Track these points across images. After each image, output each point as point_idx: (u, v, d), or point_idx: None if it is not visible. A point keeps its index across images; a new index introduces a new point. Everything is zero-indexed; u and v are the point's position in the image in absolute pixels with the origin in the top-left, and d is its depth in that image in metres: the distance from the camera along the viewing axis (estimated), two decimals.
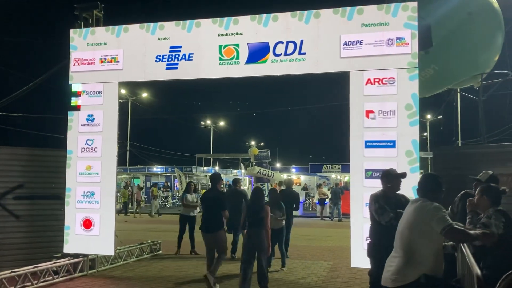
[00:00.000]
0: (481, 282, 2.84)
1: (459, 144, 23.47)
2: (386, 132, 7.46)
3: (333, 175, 31.60)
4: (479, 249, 3.95)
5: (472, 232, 3.77)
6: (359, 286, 8.07)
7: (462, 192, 5.65)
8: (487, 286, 2.92)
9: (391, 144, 7.42)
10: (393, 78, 7.46)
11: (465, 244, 3.99)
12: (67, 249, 8.87)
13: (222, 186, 8.70)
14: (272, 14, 8.12)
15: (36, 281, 7.77)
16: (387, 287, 3.85)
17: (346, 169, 29.00)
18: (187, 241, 11.53)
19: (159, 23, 8.68)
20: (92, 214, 8.79)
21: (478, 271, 2.95)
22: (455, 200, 5.67)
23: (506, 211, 4.10)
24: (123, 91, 33.50)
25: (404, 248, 3.85)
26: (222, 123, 56.07)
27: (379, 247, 4.85)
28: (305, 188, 29.77)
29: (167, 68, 8.60)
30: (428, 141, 42.52)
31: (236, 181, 11.96)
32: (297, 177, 34.40)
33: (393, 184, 5.31)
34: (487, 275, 3.32)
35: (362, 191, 7.46)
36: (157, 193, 25.82)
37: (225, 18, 8.32)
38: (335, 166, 29.85)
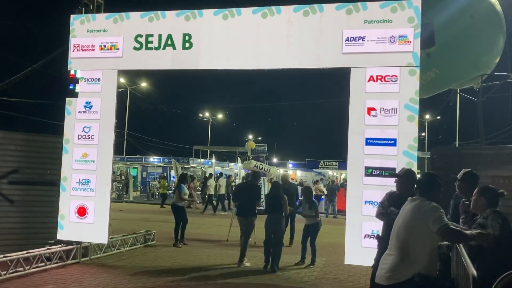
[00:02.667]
0: (477, 282, 2.82)
1: (457, 145, 23.52)
2: (386, 130, 7.43)
3: (330, 172, 31.58)
4: (474, 250, 3.93)
5: (468, 232, 3.74)
6: (352, 283, 8.07)
7: (455, 193, 5.59)
8: (483, 287, 2.90)
9: (392, 142, 7.38)
10: (396, 76, 7.42)
11: (460, 245, 3.97)
12: (60, 236, 8.84)
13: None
14: (274, 7, 8.05)
15: (28, 267, 7.74)
16: (381, 284, 3.84)
17: (343, 166, 28.99)
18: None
19: (160, 12, 8.60)
20: (87, 202, 8.75)
21: (474, 272, 2.93)
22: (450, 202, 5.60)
23: (503, 213, 4.08)
24: (122, 80, 33.35)
25: (399, 246, 3.83)
26: (220, 116, 55.98)
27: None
28: (301, 184, 29.73)
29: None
30: (426, 141, 42.58)
31: (248, 175, 13.90)
32: (294, 173, 34.40)
33: (399, 184, 5.23)
34: (482, 276, 3.30)
35: (362, 189, 7.45)
36: (197, 185, 25.77)
37: (227, 10, 8.25)
38: (332, 163, 29.83)
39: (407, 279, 3.65)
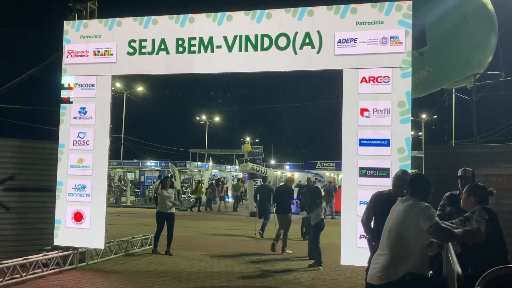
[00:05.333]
0: (461, 280, 2.86)
1: (453, 144, 23.60)
2: (379, 131, 7.47)
3: (327, 173, 31.61)
4: (465, 248, 3.96)
5: (456, 231, 3.78)
6: (348, 284, 8.10)
7: (447, 194, 5.61)
8: (467, 284, 2.93)
9: (386, 142, 7.42)
10: (388, 76, 7.47)
11: (449, 243, 4.00)
12: (57, 241, 8.84)
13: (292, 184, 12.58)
14: (267, 10, 8.09)
15: (25, 273, 7.74)
16: (373, 284, 3.86)
17: (340, 167, 28.94)
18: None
19: (153, 17, 8.64)
20: (83, 207, 8.76)
21: (459, 269, 2.96)
22: (442, 204, 5.60)
23: (493, 210, 4.11)
24: (118, 85, 33.32)
25: (390, 246, 3.86)
26: (217, 119, 55.99)
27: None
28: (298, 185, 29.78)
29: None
30: (423, 141, 42.65)
31: (266, 178, 15.72)
32: (291, 174, 34.39)
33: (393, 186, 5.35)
34: (471, 273, 3.33)
35: (356, 189, 7.49)
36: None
37: (220, 13, 8.29)
38: (328, 164, 29.84)
39: (399, 278, 3.68)
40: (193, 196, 27.89)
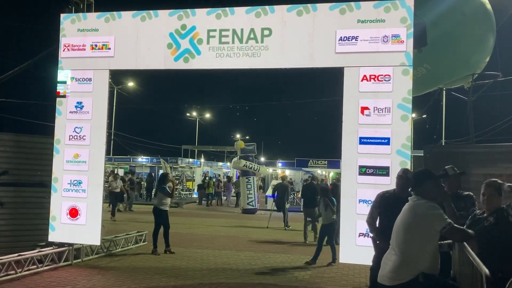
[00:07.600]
0: (490, 281, 2.82)
1: (443, 143, 23.76)
2: (379, 129, 7.47)
3: (319, 171, 31.68)
4: (484, 247, 3.92)
5: (471, 231, 3.77)
6: (346, 282, 8.10)
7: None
8: (496, 285, 2.90)
9: (386, 141, 7.43)
10: (389, 75, 7.47)
11: (465, 243, 3.98)
12: (52, 237, 8.72)
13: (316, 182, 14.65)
14: (267, 7, 8.03)
15: (20, 270, 7.62)
16: (384, 284, 3.82)
17: (331, 165, 29.07)
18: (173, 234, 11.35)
19: (151, 11, 8.53)
20: (78, 203, 8.65)
21: (487, 270, 2.92)
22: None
23: None
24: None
25: (400, 247, 3.82)
26: (208, 115, 55.77)
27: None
28: (290, 183, 29.80)
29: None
30: (412, 140, 42.89)
31: (284, 177, 17.63)
32: (282, 172, 34.40)
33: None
34: (492, 273, 3.29)
35: (356, 187, 7.48)
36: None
37: (220, 9, 8.21)
38: (321, 162, 29.91)
39: (412, 279, 3.63)
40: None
